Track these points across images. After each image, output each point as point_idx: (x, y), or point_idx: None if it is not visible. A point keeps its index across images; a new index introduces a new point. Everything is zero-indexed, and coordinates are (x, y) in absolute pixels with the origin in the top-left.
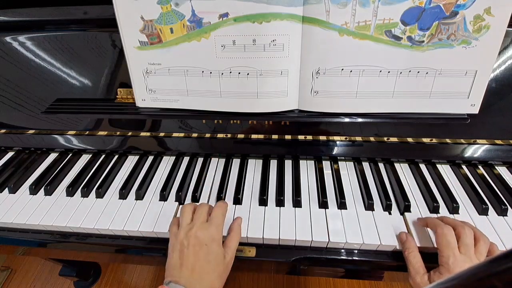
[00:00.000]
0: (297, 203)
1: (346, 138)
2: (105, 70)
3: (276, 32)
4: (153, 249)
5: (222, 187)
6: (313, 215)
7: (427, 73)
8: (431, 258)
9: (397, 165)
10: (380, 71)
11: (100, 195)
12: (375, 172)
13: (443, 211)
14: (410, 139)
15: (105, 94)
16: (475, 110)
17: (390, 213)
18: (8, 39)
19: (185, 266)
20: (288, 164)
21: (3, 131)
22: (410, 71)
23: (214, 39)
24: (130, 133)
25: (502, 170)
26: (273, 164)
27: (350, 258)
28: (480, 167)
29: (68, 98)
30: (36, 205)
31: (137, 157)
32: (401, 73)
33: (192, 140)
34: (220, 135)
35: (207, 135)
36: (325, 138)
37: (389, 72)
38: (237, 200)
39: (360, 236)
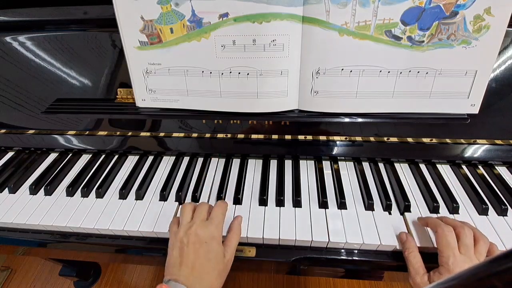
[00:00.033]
0: (297, 203)
1: (346, 138)
2: (105, 70)
3: (276, 32)
4: (153, 249)
5: (222, 187)
6: (313, 215)
7: (427, 73)
8: (431, 258)
9: (397, 165)
10: (380, 71)
11: (100, 195)
12: (375, 172)
13: (443, 211)
14: (410, 139)
15: (105, 94)
16: (475, 110)
17: (390, 213)
18: (8, 39)
19: (185, 264)
20: (288, 164)
21: (3, 131)
22: (410, 71)
23: (214, 39)
24: (130, 133)
25: (502, 170)
26: (273, 164)
27: (350, 258)
28: (480, 167)
29: (68, 98)
30: (36, 205)
31: (137, 157)
32: (401, 73)
33: (192, 140)
34: (220, 135)
35: (207, 135)
36: (325, 138)
37: (389, 72)
38: (237, 200)
39: (360, 236)
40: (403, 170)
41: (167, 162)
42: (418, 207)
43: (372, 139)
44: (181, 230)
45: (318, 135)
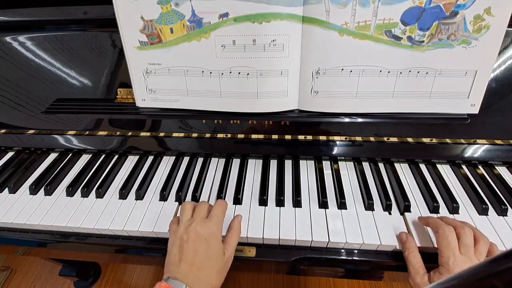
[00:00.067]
0: (297, 203)
1: (346, 138)
2: (105, 70)
3: (276, 32)
4: (153, 249)
5: (222, 187)
6: (313, 215)
7: (427, 73)
8: (431, 258)
9: (397, 165)
10: (380, 71)
11: (100, 195)
12: (375, 172)
13: (443, 211)
14: (410, 139)
15: (105, 94)
16: (475, 110)
17: (390, 213)
18: (8, 39)
19: (184, 261)
20: (288, 164)
21: (3, 131)
22: (410, 71)
23: (214, 39)
24: (130, 133)
25: (502, 170)
26: (273, 164)
27: (350, 258)
28: (480, 167)
29: (68, 98)
30: (36, 205)
31: (137, 157)
32: (401, 73)
33: (192, 140)
34: (220, 135)
35: (207, 135)
36: (325, 138)
37: (389, 72)
38: (237, 200)
39: (360, 236)
40: (403, 170)
41: (167, 162)
42: (418, 207)
43: (372, 139)
44: (181, 227)
45: (318, 135)
